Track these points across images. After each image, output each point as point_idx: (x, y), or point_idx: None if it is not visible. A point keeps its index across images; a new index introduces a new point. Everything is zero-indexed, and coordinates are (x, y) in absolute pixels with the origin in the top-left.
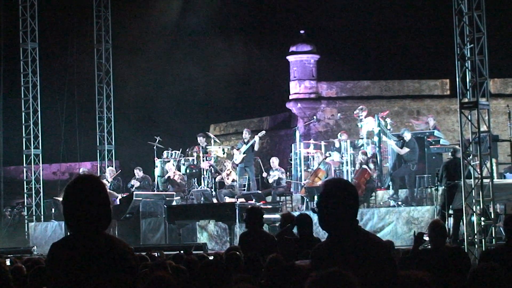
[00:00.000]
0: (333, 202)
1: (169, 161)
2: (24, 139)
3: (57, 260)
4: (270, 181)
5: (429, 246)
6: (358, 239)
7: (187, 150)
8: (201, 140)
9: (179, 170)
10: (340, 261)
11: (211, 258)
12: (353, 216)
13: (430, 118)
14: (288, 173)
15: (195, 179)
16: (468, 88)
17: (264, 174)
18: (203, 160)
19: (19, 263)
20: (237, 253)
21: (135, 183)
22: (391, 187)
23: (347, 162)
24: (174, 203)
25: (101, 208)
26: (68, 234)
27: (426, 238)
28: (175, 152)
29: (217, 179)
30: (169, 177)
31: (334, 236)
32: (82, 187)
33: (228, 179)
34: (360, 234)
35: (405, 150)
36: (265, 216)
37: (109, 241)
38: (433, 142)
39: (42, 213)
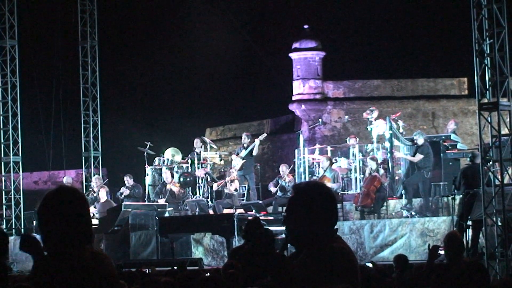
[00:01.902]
0: (302, 212)
1: (160, 169)
2: (2, 145)
3: (41, 280)
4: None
5: (445, 261)
6: (326, 255)
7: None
8: (197, 144)
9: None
10: (306, 279)
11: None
12: (329, 228)
13: (452, 122)
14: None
15: (190, 188)
16: (487, 87)
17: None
18: (198, 167)
19: None
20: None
21: (124, 190)
22: (403, 196)
23: (355, 168)
24: (166, 214)
25: (83, 221)
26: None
27: (442, 251)
28: (168, 159)
29: (214, 187)
30: (163, 183)
31: (302, 251)
32: (61, 199)
33: (231, 186)
34: (335, 251)
35: (418, 157)
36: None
37: (96, 258)
38: (450, 147)
39: (22, 226)
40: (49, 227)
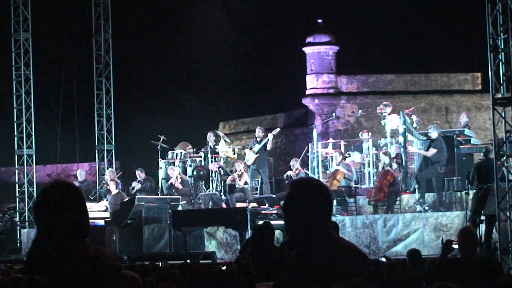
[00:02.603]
0: (302, 207)
1: (174, 162)
2: (16, 138)
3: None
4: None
5: (459, 255)
6: (332, 250)
7: (194, 150)
8: (210, 138)
9: (185, 172)
10: (312, 277)
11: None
12: (326, 223)
13: (463, 115)
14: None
15: (203, 181)
16: (501, 82)
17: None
18: (212, 161)
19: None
20: (249, 263)
21: (136, 185)
22: (417, 190)
23: (368, 163)
24: (179, 208)
25: (79, 215)
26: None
27: (455, 246)
28: (181, 153)
29: (227, 181)
30: (171, 184)
31: (303, 248)
32: (58, 193)
33: (240, 180)
34: (334, 244)
35: (432, 151)
36: (279, 222)
37: (98, 251)
38: (463, 142)
39: None
40: (47, 222)
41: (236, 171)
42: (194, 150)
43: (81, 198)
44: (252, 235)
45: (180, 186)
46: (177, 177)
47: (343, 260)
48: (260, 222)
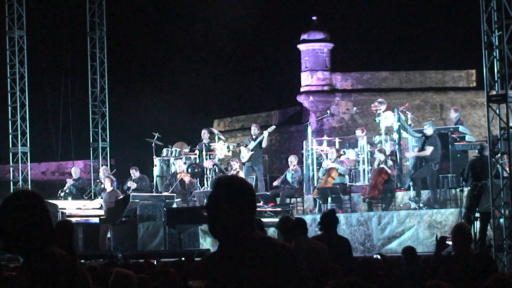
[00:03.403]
0: (224, 205)
1: (168, 160)
2: (10, 136)
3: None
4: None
5: (453, 252)
6: (256, 248)
7: (188, 147)
8: (204, 135)
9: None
10: (235, 276)
11: None
12: (249, 221)
13: (452, 111)
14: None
15: (198, 179)
16: (496, 79)
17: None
18: (206, 159)
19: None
20: None
21: (131, 185)
22: (411, 188)
23: (363, 160)
24: (174, 205)
25: (42, 223)
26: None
27: (450, 242)
28: (176, 150)
29: None
30: (176, 173)
31: (226, 246)
32: (18, 204)
33: None
34: (258, 242)
35: (429, 149)
36: (273, 219)
37: (65, 257)
38: (458, 139)
39: None
40: (9, 231)
41: (231, 168)
42: (189, 147)
43: (43, 206)
44: None
45: (188, 180)
46: (183, 171)
47: (269, 259)
48: None
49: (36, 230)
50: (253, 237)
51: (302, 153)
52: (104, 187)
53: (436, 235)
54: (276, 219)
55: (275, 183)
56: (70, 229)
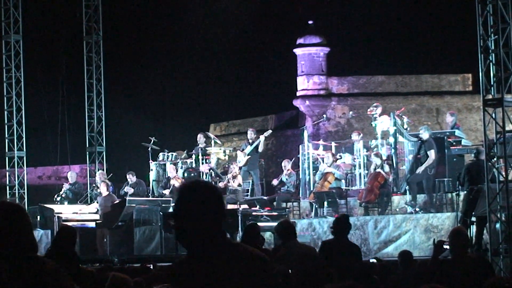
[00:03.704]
0: (188, 212)
1: (165, 164)
2: (6, 140)
3: None
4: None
5: (450, 256)
6: (225, 255)
7: (185, 152)
8: (200, 139)
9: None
10: (204, 282)
11: None
12: (216, 226)
13: (448, 115)
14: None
15: None
16: (492, 83)
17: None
18: (202, 163)
19: None
20: None
21: (128, 190)
22: (408, 192)
23: (360, 164)
24: (170, 209)
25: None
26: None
27: (447, 246)
28: (172, 154)
29: (222, 185)
30: (168, 178)
31: (194, 252)
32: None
33: (234, 182)
34: (228, 248)
35: (432, 154)
36: (270, 223)
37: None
38: (454, 143)
39: None
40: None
41: (230, 172)
42: (185, 152)
43: (24, 217)
44: (242, 236)
45: (177, 185)
46: (176, 176)
47: (240, 266)
48: None
49: (19, 241)
50: (223, 242)
51: (298, 157)
52: (100, 191)
53: (434, 239)
54: (273, 224)
55: (274, 182)
56: (73, 235)
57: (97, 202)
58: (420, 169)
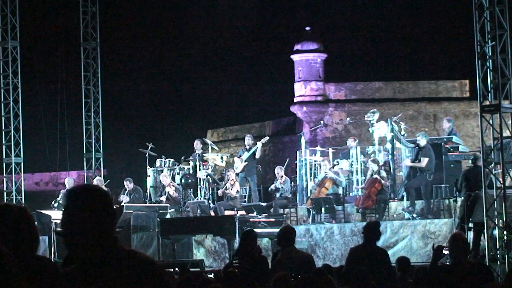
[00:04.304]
0: (75, 218)
1: (162, 170)
2: (4, 146)
3: None
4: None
5: (448, 262)
6: (114, 261)
7: (182, 158)
8: (197, 146)
9: (174, 180)
10: None
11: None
12: (104, 232)
13: (445, 121)
14: (293, 183)
15: (191, 189)
16: (489, 89)
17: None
18: (200, 169)
19: None
20: (236, 270)
21: (124, 198)
22: (405, 198)
23: (357, 170)
24: (168, 216)
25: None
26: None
27: (446, 252)
28: (169, 161)
29: (219, 193)
30: (163, 186)
31: (82, 260)
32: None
33: (232, 189)
34: (117, 254)
35: (424, 161)
36: (267, 230)
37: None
38: (451, 149)
39: None
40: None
41: (226, 178)
42: (183, 158)
43: (28, 218)
44: (239, 242)
45: (175, 194)
46: (170, 184)
47: (132, 273)
48: None
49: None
50: (111, 249)
51: (293, 162)
52: None
53: (433, 244)
54: (270, 230)
55: (272, 187)
56: None
57: None
58: (409, 163)
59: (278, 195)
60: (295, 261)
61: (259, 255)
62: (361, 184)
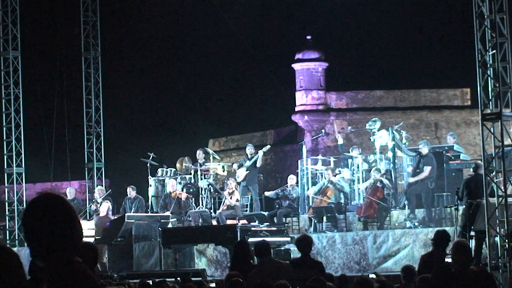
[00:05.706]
0: (32, 228)
1: (163, 180)
2: (5, 157)
3: None
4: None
5: (453, 269)
6: (60, 274)
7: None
8: (200, 155)
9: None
10: None
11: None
12: (60, 242)
13: (449, 137)
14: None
15: (193, 199)
16: (490, 98)
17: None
18: (201, 178)
19: None
20: (239, 280)
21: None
22: (407, 206)
23: (358, 179)
24: (169, 225)
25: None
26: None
27: (448, 259)
28: (171, 170)
29: (222, 208)
30: (170, 193)
31: (46, 270)
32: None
33: (231, 198)
34: (63, 267)
35: (427, 170)
36: (270, 239)
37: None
38: (453, 157)
39: None
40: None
41: (226, 188)
42: (184, 166)
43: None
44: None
45: (184, 197)
46: (176, 191)
47: (67, 285)
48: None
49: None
50: (60, 261)
51: (297, 173)
52: (99, 210)
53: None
54: (272, 239)
55: (270, 193)
56: (94, 252)
57: (92, 219)
58: (411, 179)
59: (285, 203)
60: (269, 271)
61: (252, 263)
62: (363, 193)
